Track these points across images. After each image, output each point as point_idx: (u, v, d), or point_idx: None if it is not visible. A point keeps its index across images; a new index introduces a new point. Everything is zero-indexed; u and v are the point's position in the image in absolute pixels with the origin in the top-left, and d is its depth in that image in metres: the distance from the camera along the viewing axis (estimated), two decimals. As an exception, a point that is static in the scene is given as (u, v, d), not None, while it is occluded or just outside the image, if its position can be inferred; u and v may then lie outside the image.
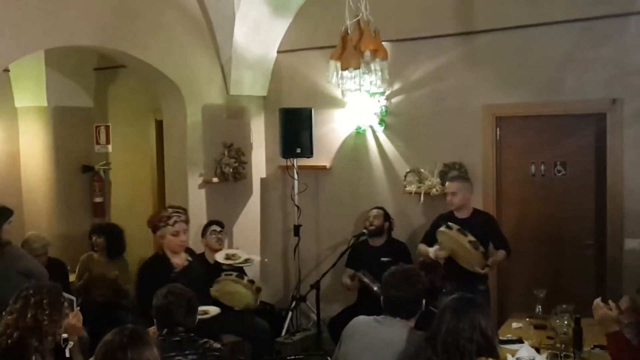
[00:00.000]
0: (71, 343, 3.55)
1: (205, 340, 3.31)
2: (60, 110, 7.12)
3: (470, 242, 4.63)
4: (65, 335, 3.49)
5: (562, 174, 5.38)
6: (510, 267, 5.47)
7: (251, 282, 5.19)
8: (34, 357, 3.15)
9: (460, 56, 5.62)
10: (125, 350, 2.53)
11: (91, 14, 5.05)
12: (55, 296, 3.31)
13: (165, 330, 3.29)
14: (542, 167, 5.45)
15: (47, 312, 3.22)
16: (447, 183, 5.19)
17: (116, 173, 7.52)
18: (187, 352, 3.20)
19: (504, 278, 5.58)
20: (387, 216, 5.74)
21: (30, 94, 7.01)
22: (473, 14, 5.53)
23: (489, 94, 5.51)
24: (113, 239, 6.05)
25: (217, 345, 3.34)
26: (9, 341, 3.14)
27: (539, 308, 4.35)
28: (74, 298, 4.00)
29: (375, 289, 5.02)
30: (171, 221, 4.56)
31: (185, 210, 4.76)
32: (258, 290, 5.20)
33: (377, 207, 5.80)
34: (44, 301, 3.24)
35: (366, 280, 5.21)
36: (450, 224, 4.76)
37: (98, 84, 7.54)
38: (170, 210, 4.71)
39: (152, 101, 6.66)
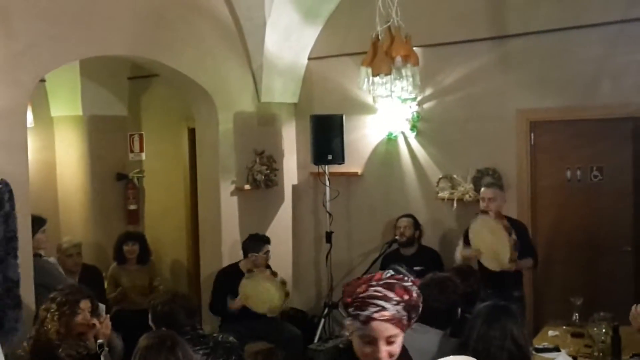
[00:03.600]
0: (107, 349, 3.61)
1: (216, 334, 3.39)
2: (95, 119, 7.23)
3: (504, 226, 4.59)
4: (100, 341, 3.56)
5: (599, 179, 5.28)
6: (546, 274, 5.38)
7: (283, 283, 5.25)
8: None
9: (493, 60, 5.56)
10: (160, 351, 2.62)
11: (124, 23, 5.13)
12: (66, 295, 3.57)
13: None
14: (578, 172, 5.35)
15: (55, 311, 3.50)
16: (483, 189, 5.11)
17: (150, 180, 7.60)
18: (198, 347, 3.26)
19: (539, 285, 5.50)
20: (416, 224, 5.69)
21: (66, 103, 7.13)
22: (505, 18, 5.47)
23: (522, 98, 5.44)
24: (145, 245, 6.14)
25: (229, 337, 3.40)
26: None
27: (576, 316, 4.28)
28: (103, 306, 4.05)
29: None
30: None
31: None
32: (287, 294, 5.23)
33: (405, 216, 5.74)
34: (56, 300, 3.55)
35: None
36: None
37: (132, 93, 7.64)
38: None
39: (185, 109, 6.72)
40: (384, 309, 1.99)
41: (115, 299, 5.91)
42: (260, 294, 5.21)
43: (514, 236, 4.62)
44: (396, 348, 2.05)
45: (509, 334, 2.78)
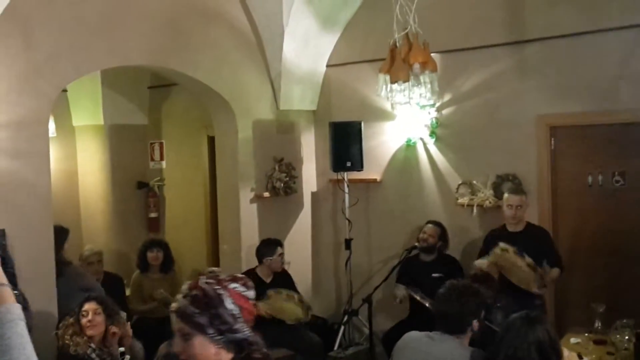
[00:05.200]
0: (128, 356, 3.65)
1: None
2: (116, 128, 7.31)
3: (528, 265, 4.50)
4: (122, 349, 3.61)
5: (621, 184, 5.22)
6: (568, 281, 5.33)
7: (301, 300, 5.24)
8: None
9: (512, 66, 5.54)
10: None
11: (144, 34, 5.18)
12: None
13: None
14: (600, 178, 5.30)
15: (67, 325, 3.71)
16: (508, 195, 5.01)
17: (170, 189, 7.66)
18: None
19: (561, 292, 5.44)
20: (443, 234, 5.63)
21: (87, 112, 7.22)
22: (524, 22, 5.44)
23: (542, 103, 5.40)
24: (169, 253, 6.18)
25: None
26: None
27: (598, 323, 4.23)
28: (124, 313, 4.09)
29: (427, 304, 5.00)
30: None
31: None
32: (308, 308, 5.24)
33: (434, 223, 5.67)
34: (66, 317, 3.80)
35: (417, 297, 5.21)
36: (504, 245, 4.59)
37: (152, 102, 7.71)
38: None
39: (205, 117, 6.76)
40: (177, 301, 2.03)
41: (142, 310, 5.92)
42: (281, 312, 5.22)
43: (539, 271, 4.56)
44: (192, 349, 2.01)
45: (540, 345, 2.76)
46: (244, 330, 2.01)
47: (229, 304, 1.99)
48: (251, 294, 2.06)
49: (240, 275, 2.13)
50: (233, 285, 2.03)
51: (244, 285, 2.06)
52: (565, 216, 5.45)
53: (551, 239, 5.06)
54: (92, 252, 5.72)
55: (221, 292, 1.99)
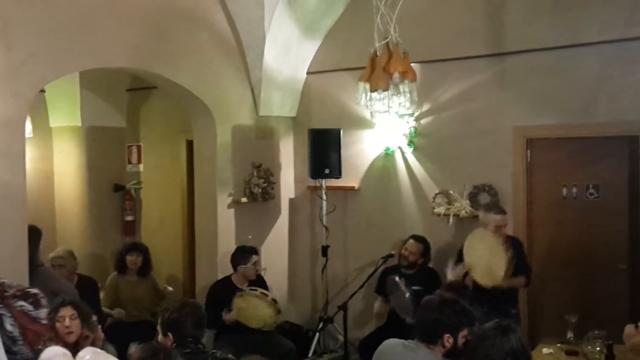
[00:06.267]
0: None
1: (214, 350, 3.40)
2: (93, 130, 7.25)
3: (503, 241, 4.59)
4: None
5: (595, 196, 5.30)
6: (542, 292, 5.38)
7: (274, 300, 5.24)
8: None
9: (490, 77, 5.60)
10: None
11: (125, 36, 5.15)
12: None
13: (176, 343, 3.35)
14: (574, 190, 5.37)
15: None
16: (494, 215, 4.96)
17: (147, 192, 7.61)
18: None
19: (535, 302, 5.49)
20: (426, 251, 5.55)
21: (65, 114, 7.15)
22: (503, 35, 5.51)
23: (519, 115, 5.47)
24: (148, 258, 6.13)
25: (228, 354, 3.41)
26: None
27: (570, 333, 4.27)
28: (95, 317, 4.03)
29: (407, 295, 4.93)
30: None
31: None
32: (278, 311, 5.23)
33: (417, 239, 5.58)
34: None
35: (402, 286, 5.11)
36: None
37: (131, 105, 7.67)
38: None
39: (183, 121, 6.74)
40: None
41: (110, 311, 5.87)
42: (252, 311, 5.21)
43: (511, 252, 4.61)
44: None
45: (519, 351, 2.75)
46: (23, 353, 1.88)
47: (9, 325, 1.84)
48: (41, 313, 1.91)
49: (32, 292, 1.98)
50: (20, 303, 1.89)
51: (34, 303, 1.91)
52: (540, 227, 5.52)
53: (524, 250, 5.11)
54: (64, 251, 5.63)
55: (2, 312, 1.85)
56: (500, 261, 4.58)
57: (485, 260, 4.68)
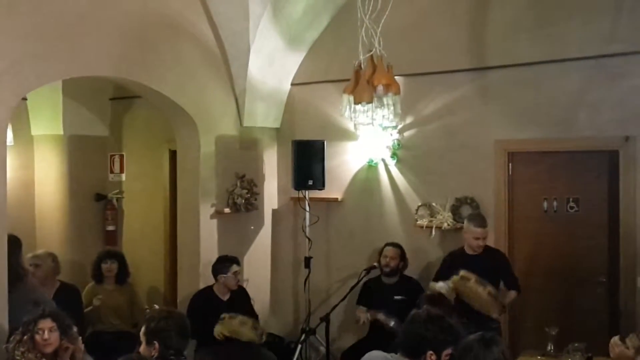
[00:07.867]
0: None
1: None
2: (75, 138, 7.21)
3: (489, 293, 4.59)
4: None
5: (575, 210, 5.36)
6: (522, 304, 5.42)
7: (255, 327, 5.18)
8: None
9: (473, 91, 5.65)
10: None
11: (109, 45, 5.13)
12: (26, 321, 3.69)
13: (157, 353, 3.33)
14: (555, 204, 5.43)
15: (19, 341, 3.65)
16: (475, 228, 5.02)
17: (129, 202, 7.57)
18: None
19: (515, 314, 5.53)
20: (402, 255, 5.65)
21: (47, 122, 7.10)
22: (486, 50, 5.57)
23: (501, 129, 5.52)
24: (124, 264, 6.09)
25: None
26: None
27: (550, 346, 4.31)
28: (76, 328, 3.99)
29: (391, 324, 5.03)
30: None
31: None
32: (262, 334, 5.19)
33: (392, 245, 5.68)
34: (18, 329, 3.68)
35: (381, 318, 5.23)
36: (465, 273, 4.66)
37: (113, 114, 7.63)
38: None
39: (167, 131, 6.71)
40: None
41: (89, 318, 5.80)
42: (235, 336, 5.16)
43: (500, 300, 4.69)
44: None
45: None
46: None
47: None
48: None
49: None
50: None
51: None
52: (521, 240, 5.56)
53: (508, 261, 5.16)
54: (43, 253, 5.53)
55: None
56: (491, 307, 4.64)
57: (479, 304, 4.70)
